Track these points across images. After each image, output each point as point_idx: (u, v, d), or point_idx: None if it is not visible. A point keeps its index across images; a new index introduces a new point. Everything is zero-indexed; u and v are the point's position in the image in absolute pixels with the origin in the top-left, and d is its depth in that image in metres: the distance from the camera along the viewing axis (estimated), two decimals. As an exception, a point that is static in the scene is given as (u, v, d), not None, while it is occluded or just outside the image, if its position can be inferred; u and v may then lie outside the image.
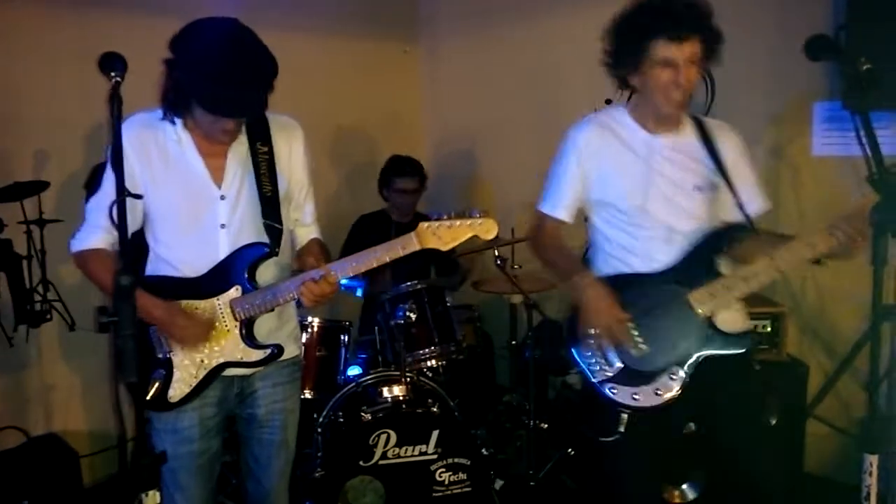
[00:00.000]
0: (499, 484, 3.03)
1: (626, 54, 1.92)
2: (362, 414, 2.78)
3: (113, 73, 1.52)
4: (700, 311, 1.90)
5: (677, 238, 1.97)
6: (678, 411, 1.97)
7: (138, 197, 1.64)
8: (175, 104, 1.83)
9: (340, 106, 4.29)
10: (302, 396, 2.98)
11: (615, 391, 1.94)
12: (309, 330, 3.08)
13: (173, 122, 1.88)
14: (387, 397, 2.91)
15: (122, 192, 1.50)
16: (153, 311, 1.85)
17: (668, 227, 1.97)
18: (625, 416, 1.94)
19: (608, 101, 3.78)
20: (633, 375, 1.94)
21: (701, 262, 1.93)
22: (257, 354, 1.95)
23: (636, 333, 1.93)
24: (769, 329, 2.89)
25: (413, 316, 3.01)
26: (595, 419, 2.03)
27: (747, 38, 3.22)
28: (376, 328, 3.22)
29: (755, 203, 2.02)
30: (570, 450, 3.36)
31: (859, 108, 1.66)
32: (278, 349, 1.97)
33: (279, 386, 2.06)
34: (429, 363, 3.06)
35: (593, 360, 1.98)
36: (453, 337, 3.10)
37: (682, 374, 1.91)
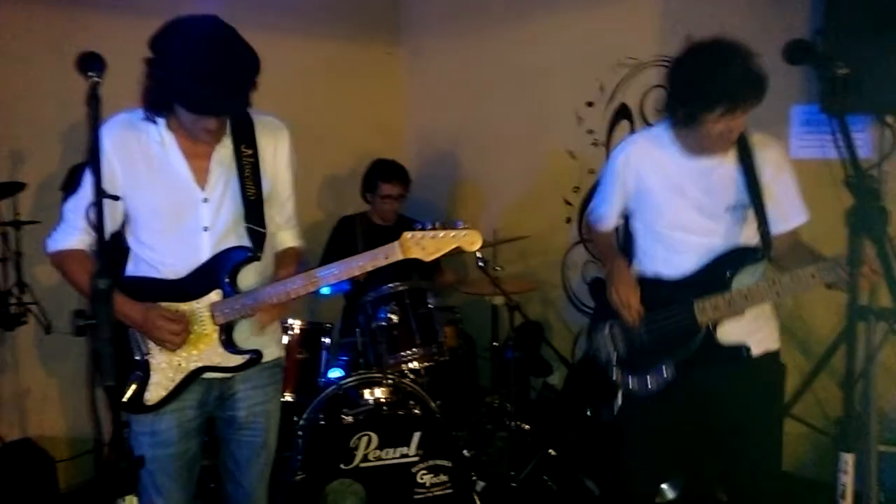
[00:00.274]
0: (480, 485, 3.04)
1: (680, 111, 1.98)
2: (343, 416, 2.77)
3: (91, 74, 1.51)
4: (700, 318, 2.04)
5: (703, 251, 2.09)
6: (674, 404, 2.13)
7: (115, 198, 1.63)
8: (157, 104, 1.81)
9: (323, 108, 4.28)
10: (282, 399, 2.97)
11: (615, 373, 2.19)
12: (290, 332, 3.06)
13: (156, 123, 1.86)
14: (368, 399, 2.90)
15: (99, 195, 1.48)
16: (131, 314, 1.83)
17: (696, 244, 2.09)
18: (619, 398, 2.17)
19: (589, 104, 3.84)
20: (632, 363, 2.17)
21: (716, 275, 2.05)
22: (236, 360, 1.93)
23: (644, 325, 2.13)
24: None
25: (395, 318, 3.00)
26: (595, 398, 2.28)
27: (726, 41, 3.26)
28: (358, 330, 3.21)
29: (794, 218, 2.13)
30: (550, 450, 3.37)
31: (836, 112, 1.68)
32: (257, 354, 1.95)
33: (260, 388, 2.05)
34: (410, 365, 3.06)
35: (605, 342, 2.25)
36: (435, 339, 3.10)
37: (671, 371, 2.09)
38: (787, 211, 2.11)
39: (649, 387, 2.12)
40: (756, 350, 2.08)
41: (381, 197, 3.67)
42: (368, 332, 3.10)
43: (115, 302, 1.70)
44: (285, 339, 3.02)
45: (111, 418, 1.44)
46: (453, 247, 1.85)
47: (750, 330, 2.08)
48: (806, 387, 2.90)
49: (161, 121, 1.86)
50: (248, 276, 1.96)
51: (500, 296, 3.32)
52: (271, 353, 2.05)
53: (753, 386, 2.12)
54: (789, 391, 2.96)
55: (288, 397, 3.01)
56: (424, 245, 1.84)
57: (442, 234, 1.84)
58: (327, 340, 3.17)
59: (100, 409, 1.43)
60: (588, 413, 3.36)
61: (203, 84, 1.70)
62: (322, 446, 2.75)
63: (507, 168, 4.32)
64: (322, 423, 2.88)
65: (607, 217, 2.33)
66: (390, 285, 3.10)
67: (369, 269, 1.87)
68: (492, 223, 4.06)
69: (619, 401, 2.18)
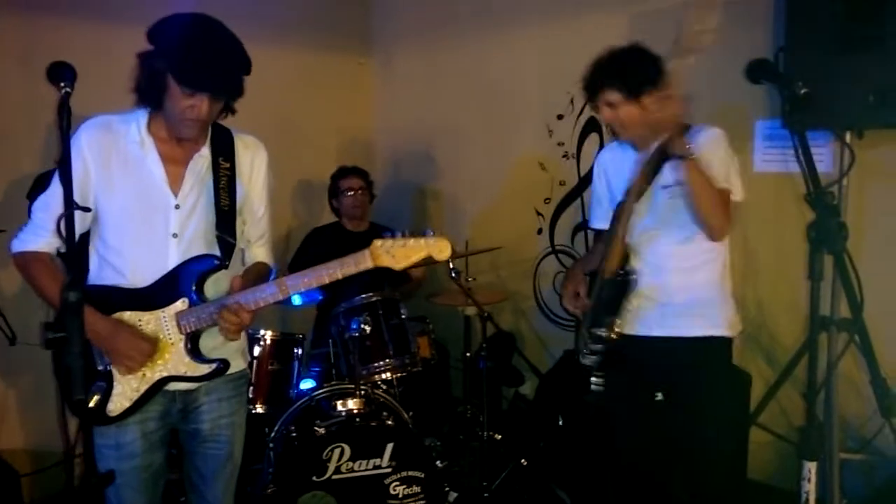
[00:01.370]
0: (453, 496, 3.04)
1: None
2: (316, 428, 2.76)
3: (62, 84, 1.50)
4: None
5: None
6: (644, 385, 2.34)
7: (86, 210, 1.61)
8: (148, 94, 1.81)
9: (295, 116, 4.28)
10: (254, 410, 2.97)
11: (584, 358, 2.35)
12: (261, 343, 3.03)
13: (136, 123, 1.86)
14: (341, 411, 2.89)
15: (70, 206, 1.47)
16: (97, 327, 1.79)
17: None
18: (593, 379, 2.32)
19: (559, 117, 3.89)
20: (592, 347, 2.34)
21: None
22: (202, 369, 1.91)
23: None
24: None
25: (367, 328, 3.00)
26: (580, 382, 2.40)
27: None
28: (330, 341, 3.20)
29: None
30: (523, 461, 3.39)
31: (797, 129, 1.74)
32: (224, 364, 1.94)
33: (225, 401, 2.04)
34: (383, 376, 3.06)
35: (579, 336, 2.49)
36: (408, 349, 3.10)
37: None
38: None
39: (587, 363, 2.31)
40: (692, 332, 2.21)
41: (344, 194, 3.73)
42: (341, 343, 3.10)
43: (90, 320, 1.69)
44: (257, 351, 3.00)
45: (76, 432, 1.42)
46: (423, 255, 1.84)
47: (682, 313, 2.20)
48: (770, 396, 2.96)
49: (142, 122, 1.86)
50: (216, 287, 1.95)
51: (473, 306, 3.34)
52: (237, 364, 2.04)
53: (693, 368, 2.23)
54: (754, 400, 3.02)
55: (259, 409, 2.98)
56: (394, 254, 1.83)
57: (412, 242, 1.83)
58: (299, 351, 3.15)
59: (69, 421, 1.42)
60: (560, 423, 3.39)
61: (200, 55, 1.74)
62: (294, 458, 2.73)
63: (479, 179, 4.36)
64: (294, 435, 2.86)
65: (596, 217, 2.53)
66: (363, 296, 3.10)
67: (339, 276, 1.86)
68: (463, 234, 4.09)
69: (595, 381, 2.31)
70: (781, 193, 3.08)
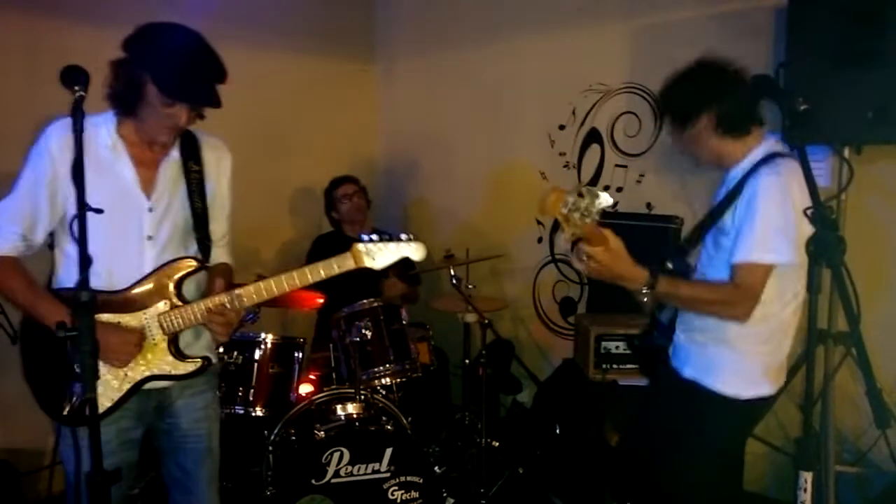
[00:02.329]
0: (450, 502, 3.06)
1: None
2: (315, 432, 2.78)
3: (77, 87, 1.53)
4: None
5: None
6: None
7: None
8: (125, 101, 1.82)
9: (298, 122, 4.31)
10: (253, 413, 2.99)
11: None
12: (262, 346, 3.05)
13: (107, 127, 1.87)
14: (340, 415, 2.91)
15: (82, 207, 1.50)
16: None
17: None
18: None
19: (561, 127, 3.93)
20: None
21: None
22: (186, 367, 1.95)
23: None
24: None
25: (369, 333, 3.02)
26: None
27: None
28: (331, 345, 3.22)
29: None
30: (520, 469, 3.41)
31: (797, 143, 1.77)
32: (208, 361, 1.98)
33: (198, 395, 2.07)
34: (384, 381, 3.08)
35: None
36: (408, 355, 3.12)
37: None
38: None
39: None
40: (684, 372, 2.12)
41: (341, 200, 3.78)
42: (342, 347, 3.12)
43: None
44: (257, 354, 3.03)
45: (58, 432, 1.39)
46: (401, 257, 1.98)
47: (693, 353, 2.12)
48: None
49: (111, 126, 1.88)
50: (188, 287, 1.97)
51: (473, 313, 3.36)
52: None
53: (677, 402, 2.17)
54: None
55: (259, 412, 3.00)
56: (374, 255, 1.96)
57: (392, 244, 1.97)
58: (299, 355, 3.17)
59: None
60: (557, 431, 3.41)
61: (185, 67, 1.77)
62: (293, 462, 2.75)
63: (480, 187, 4.39)
64: (293, 438, 2.88)
65: None
66: (364, 301, 3.13)
67: (323, 277, 1.94)
68: (464, 241, 4.11)
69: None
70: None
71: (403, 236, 2.00)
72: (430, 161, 4.62)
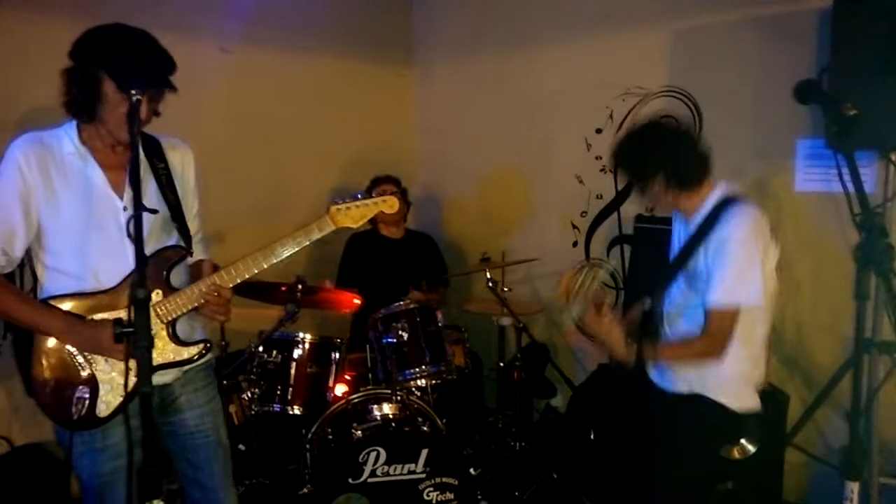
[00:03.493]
0: (484, 504, 3.07)
1: None
2: (353, 431, 2.81)
3: (133, 92, 1.58)
4: None
5: None
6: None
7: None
8: (83, 105, 1.82)
9: (335, 125, 4.36)
10: (291, 412, 3.03)
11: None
12: (300, 346, 3.10)
13: (69, 136, 1.89)
14: (376, 415, 2.94)
15: (138, 207, 1.55)
16: (77, 334, 1.84)
17: None
18: None
19: (598, 131, 3.92)
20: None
21: None
22: (190, 351, 1.98)
23: None
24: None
25: (405, 335, 3.05)
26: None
27: (733, 75, 3.35)
28: (367, 346, 3.26)
29: None
30: (554, 473, 3.40)
31: (844, 150, 1.75)
32: (209, 342, 2.01)
33: (200, 390, 2.10)
34: (419, 382, 3.10)
35: None
36: (444, 357, 3.14)
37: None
38: None
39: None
40: (677, 389, 2.21)
41: None
42: (378, 348, 3.15)
43: (72, 329, 1.79)
44: (296, 353, 3.07)
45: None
46: (376, 212, 2.04)
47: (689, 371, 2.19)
48: (808, 416, 2.94)
49: (73, 135, 1.89)
50: (177, 277, 2.00)
51: (508, 316, 3.37)
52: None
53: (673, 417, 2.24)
54: (791, 421, 3.00)
55: (297, 410, 3.04)
56: (351, 214, 2.01)
57: (367, 201, 2.03)
58: (336, 355, 3.21)
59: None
60: (591, 436, 3.40)
61: (139, 57, 1.79)
62: (331, 460, 2.78)
63: (515, 190, 4.39)
64: (330, 437, 2.92)
65: None
66: (401, 302, 3.16)
67: (306, 243, 1.97)
68: (499, 245, 4.12)
69: None
70: (822, 213, 3.07)
71: (374, 194, 2.06)
72: (466, 165, 4.64)
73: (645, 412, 2.36)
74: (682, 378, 2.20)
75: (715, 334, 2.05)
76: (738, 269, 2.02)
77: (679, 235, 2.30)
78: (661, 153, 2.14)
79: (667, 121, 2.29)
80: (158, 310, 1.92)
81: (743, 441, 2.87)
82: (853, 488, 1.60)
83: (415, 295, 3.60)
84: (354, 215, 2.01)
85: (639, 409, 2.37)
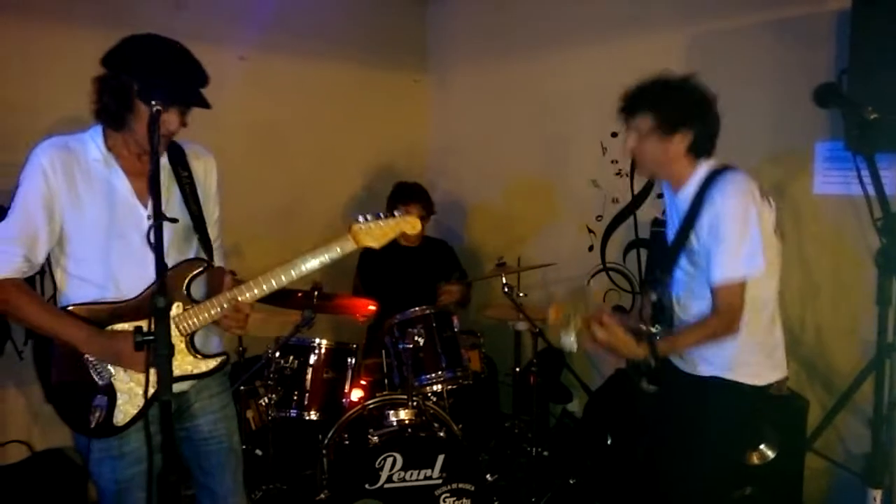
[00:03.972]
0: (501, 510, 3.06)
1: None
2: (369, 437, 2.81)
3: (154, 103, 1.59)
4: None
5: None
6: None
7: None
8: (115, 115, 1.84)
9: (351, 130, 4.38)
10: (307, 417, 3.04)
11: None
12: (316, 352, 3.11)
13: (95, 142, 1.90)
14: (392, 421, 2.94)
15: (158, 216, 1.56)
16: (96, 343, 1.84)
17: None
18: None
19: (614, 135, 3.90)
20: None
21: None
22: (208, 364, 1.98)
23: None
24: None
25: (421, 340, 3.05)
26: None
27: (752, 78, 3.32)
28: (383, 351, 3.26)
29: None
30: (571, 479, 3.39)
31: (865, 153, 1.73)
32: (227, 356, 2.02)
33: (215, 396, 2.11)
34: (435, 388, 3.10)
35: None
36: (461, 362, 3.14)
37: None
38: None
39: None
40: (704, 371, 2.20)
41: (397, 208, 3.72)
42: (394, 354, 3.15)
43: (93, 339, 1.79)
44: (312, 359, 3.08)
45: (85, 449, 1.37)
46: (398, 231, 2.03)
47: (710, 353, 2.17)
48: (828, 422, 2.91)
49: (99, 141, 1.90)
50: (197, 289, 2.01)
51: (524, 321, 3.36)
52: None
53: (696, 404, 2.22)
54: (811, 426, 2.97)
55: (313, 416, 3.05)
56: (374, 233, 2.00)
57: (390, 221, 2.02)
58: (352, 361, 3.22)
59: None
60: (608, 442, 3.38)
61: (173, 72, 1.80)
62: (347, 465, 2.78)
63: (531, 195, 4.39)
64: (347, 442, 2.92)
65: None
66: (417, 308, 3.16)
67: (328, 262, 1.96)
68: (515, 249, 4.12)
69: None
70: (841, 216, 3.04)
71: (396, 213, 2.04)
72: (481, 170, 4.64)
73: (672, 401, 2.32)
74: (704, 359, 2.19)
75: (725, 311, 2.04)
76: (736, 242, 2.00)
77: (672, 213, 2.28)
78: (700, 110, 2.10)
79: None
80: (178, 322, 1.92)
81: (762, 446, 2.85)
82: (876, 496, 1.58)
83: (453, 292, 3.57)
84: (377, 234, 2.00)
85: (665, 398, 2.32)
